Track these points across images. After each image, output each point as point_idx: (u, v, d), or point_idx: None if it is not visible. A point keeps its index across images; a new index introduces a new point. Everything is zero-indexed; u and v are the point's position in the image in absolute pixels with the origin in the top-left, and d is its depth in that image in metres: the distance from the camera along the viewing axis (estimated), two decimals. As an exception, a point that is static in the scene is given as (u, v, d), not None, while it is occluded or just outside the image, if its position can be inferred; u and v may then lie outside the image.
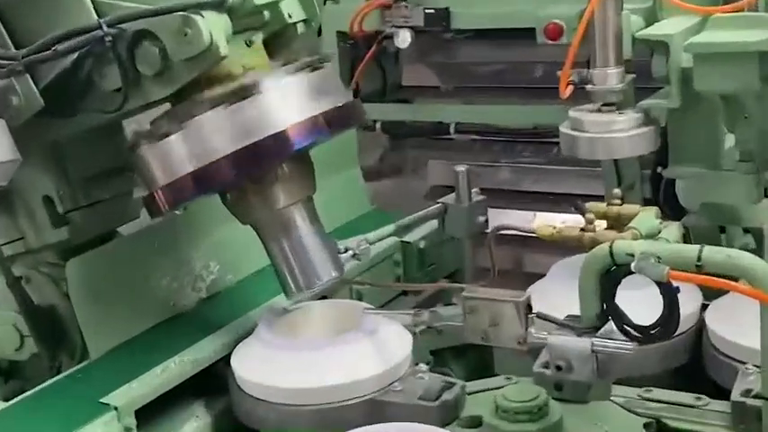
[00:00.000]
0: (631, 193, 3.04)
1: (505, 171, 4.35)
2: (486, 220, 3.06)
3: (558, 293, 2.53)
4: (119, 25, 2.27)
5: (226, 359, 2.59)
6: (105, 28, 2.25)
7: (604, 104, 2.57)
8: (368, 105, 3.05)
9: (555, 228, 2.30)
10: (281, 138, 2.31)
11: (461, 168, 3.01)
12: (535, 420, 2.31)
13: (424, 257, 3.22)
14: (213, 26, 2.24)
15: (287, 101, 2.35)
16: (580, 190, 4.41)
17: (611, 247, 2.11)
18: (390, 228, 2.78)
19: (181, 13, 2.23)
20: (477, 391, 2.55)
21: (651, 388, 2.47)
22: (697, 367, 2.62)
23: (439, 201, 3.05)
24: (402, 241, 3.18)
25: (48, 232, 2.68)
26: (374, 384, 2.44)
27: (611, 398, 2.38)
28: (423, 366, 2.52)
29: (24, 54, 2.32)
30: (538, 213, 4.34)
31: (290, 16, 2.51)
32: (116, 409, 2.37)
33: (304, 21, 2.57)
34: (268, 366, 2.49)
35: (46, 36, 2.30)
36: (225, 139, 2.30)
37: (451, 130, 4.08)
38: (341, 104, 2.43)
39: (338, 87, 2.52)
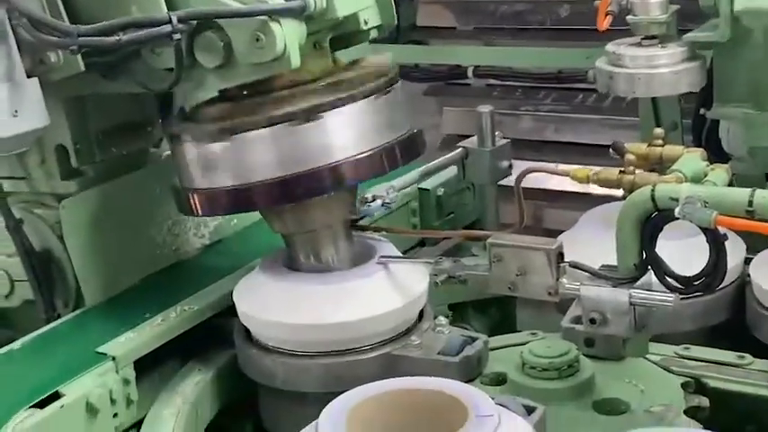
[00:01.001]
0: (672, 136, 2.83)
1: (526, 120, 4.17)
2: (510, 165, 2.87)
3: (589, 244, 2.37)
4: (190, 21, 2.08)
5: (230, 310, 2.41)
6: (175, 23, 2.04)
7: (646, 37, 2.38)
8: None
9: (591, 170, 2.11)
10: (334, 172, 2.19)
11: (485, 109, 2.81)
12: (564, 378, 2.15)
13: (442, 206, 3.03)
14: (289, 35, 2.09)
15: (347, 131, 2.21)
16: (606, 140, 4.25)
17: (653, 190, 1.93)
18: (415, 174, 2.59)
19: (258, 17, 2.06)
20: (500, 347, 2.38)
21: (689, 345, 2.30)
22: (738, 324, 2.45)
23: (460, 144, 2.85)
24: (419, 188, 2.99)
25: (55, 182, 2.50)
26: (392, 320, 2.27)
27: (645, 356, 2.21)
28: (442, 319, 2.34)
29: (81, 33, 2.06)
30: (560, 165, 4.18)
31: (365, 23, 2.35)
32: (113, 359, 2.21)
33: (377, 27, 2.41)
34: (273, 300, 2.29)
35: (106, 17, 2.09)
36: (272, 163, 2.18)
37: (469, 74, 3.88)
38: (402, 138, 2.29)
39: (403, 116, 2.35)
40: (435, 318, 2.36)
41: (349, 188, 2.29)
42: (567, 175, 2.17)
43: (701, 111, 2.61)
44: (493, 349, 2.33)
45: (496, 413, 1.77)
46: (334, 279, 2.30)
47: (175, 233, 2.66)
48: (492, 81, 4.32)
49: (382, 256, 2.33)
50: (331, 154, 2.18)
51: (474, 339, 2.28)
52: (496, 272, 2.10)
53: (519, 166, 3.04)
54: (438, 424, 1.84)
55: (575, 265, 2.04)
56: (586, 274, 2.04)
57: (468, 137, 2.88)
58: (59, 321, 2.44)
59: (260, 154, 2.17)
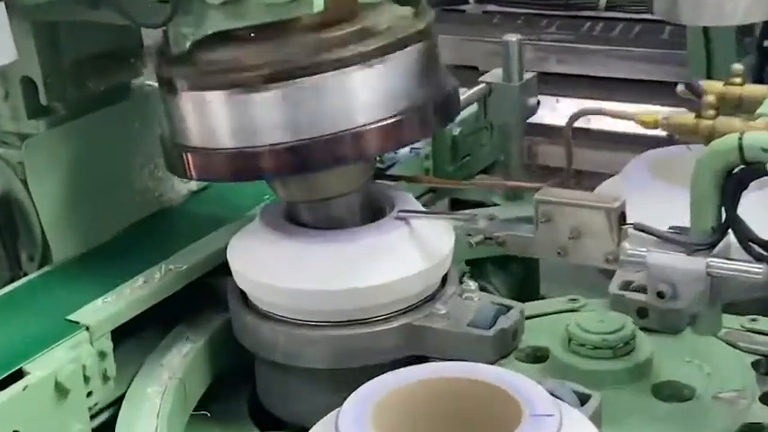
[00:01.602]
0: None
1: (528, 50, 3.80)
2: (538, 102, 2.54)
3: (637, 198, 2.03)
4: None
5: (223, 267, 2.07)
6: None
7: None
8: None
9: (661, 115, 1.78)
10: (359, 139, 1.83)
11: (513, 38, 2.46)
12: (619, 357, 1.83)
13: (457, 148, 2.68)
14: None
15: (377, 90, 1.84)
16: (614, 72, 3.93)
17: (740, 139, 1.59)
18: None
19: None
20: (534, 316, 2.06)
21: (756, 317, 1.98)
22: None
23: (482, 80, 2.50)
24: (433, 128, 2.64)
25: (21, 122, 2.12)
26: (414, 286, 1.94)
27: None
28: (470, 283, 2.02)
29: None
30: (560, 99, 3.86)
31: None
32: (87, 329, 1.87)
33: None
34: (274, 261, 1.95)
35: None
36: (284, 124, 1.82)
37: (470, -1, 3.56)
38: (439, 97, 1.92)
39: (439, 70, 1.98)
40: (461, 281, 2.04)
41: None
42: (629, 119, 1.84)
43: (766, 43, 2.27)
44: (527, 318, 2.01)
45: (557, 411, 1.46)
46: (346, 237, 1.96)
47: (158, 177, 2.30)
48: (491, 7, 4.01)
49: (402, 211, 1.99)
50: (356, 117, 1.83)
51: (508, 308, 1.96)
52: (544, 233, 1.76)
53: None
54: (483, 422, 1.52)
55: (640, 228, 1.71)
56: (653, 238, 1.71)
57: (462, 67, 2.53)
58: (21, 282, 2.09)
59: (270, 112, 1.82)
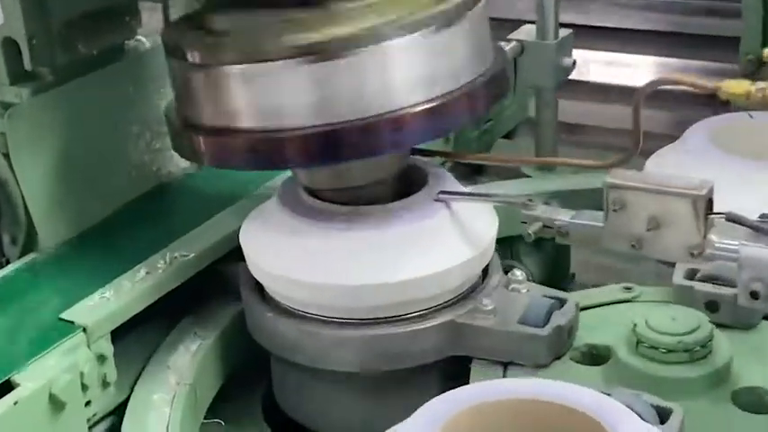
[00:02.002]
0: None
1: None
2: (574, 63, 2.30)
3: (695, 167, 1.82)
4: None
5: (236, 252, 1.82)
6: None
7: None
8: None
9: (755, 85, 1.53)
10: (399, 124, 1.56)
11: (550, -8, 2.22)
12: (695, 361, 1.61)
13: (480, 113, 2.43)
14: None
15: (418, 67, 1.57)
16: (616, 22, 3.72)
17: None
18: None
19: None
20: (585, 307, 1.84)
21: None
22: None
23: (512, 37, 2.25)
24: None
25: (2, 89, 1.85)
26: (458, 278, 1.70)
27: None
28: (518, 273, 1.79)
29: None
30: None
31: None
32: (84, 330, 1.63)
33: None
34: (294, 250, 1.70)
35: None
36: (310, 106, 1.55)
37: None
38: (488, 76, 1.66)
39: (489, 43, 1.72)
40: (507, 270, 1.81)
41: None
42: (713, 91, 1.59)
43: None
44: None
45: (645, 435, 1.24)
46: (378, 221, 1.72)
47: (156, 148, 2.05)
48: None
49: (442, 192, 1.75)
50: (395, 98, 1.57)
51: (562, 302, 1.73)
52: (616, 223, 1.53)
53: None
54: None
55: (733, 219, 1.47)
56: (745, 229, 1.48)
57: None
58: (5, 272, 1.83)
59: (294, 91, 1.55)
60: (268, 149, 1.58)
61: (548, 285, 1.81)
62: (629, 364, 1.62)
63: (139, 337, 1.79)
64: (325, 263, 1.67)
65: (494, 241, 1.78)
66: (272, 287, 1.75)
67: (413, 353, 1.69)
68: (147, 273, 1.76)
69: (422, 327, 1.69)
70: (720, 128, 2.02)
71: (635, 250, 1.54)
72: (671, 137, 2.07)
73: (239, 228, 1.81)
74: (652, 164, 1.99)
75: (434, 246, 1.70)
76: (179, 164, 2.10)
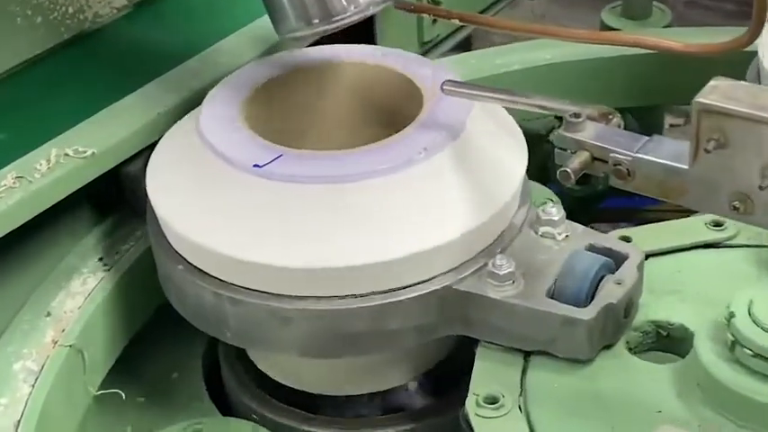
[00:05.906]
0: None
1: None
2: None
3: None
4: None
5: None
6: None
7: None
8: None
9: None
10: None
11: None
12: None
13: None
14: None
15: None
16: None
17: None
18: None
19: None
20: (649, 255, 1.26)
21: None
22: None
23: None
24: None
25: None
26: (455, 255, 1.15)
27: None
28: (552, 210, 1.21)
29: None
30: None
31: None
32: None
33: None
34: (213, 206, 1.16)
35: None
36: None
37: None
38: None
39: None
40: (540, 204, 1.23)
41: None
42: None
43: None
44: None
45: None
46: (341, 167, 1.14)
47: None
48: None
49: (449, 81, 1.16)
50: None
51: (619, 259, 1.15)
52: (709, 167, 0.94)
53: None
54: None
55: None
56: None
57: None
58: None
59: None
60: None
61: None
62: (719, 381, 1.05)
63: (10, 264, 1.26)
64: (254, 234, 1.12)
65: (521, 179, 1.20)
66: (186, 253, 1.19)
67: (384, 335, 1.14)
68: (19, 177, 1.22)
69: (397, 300, 1.13)
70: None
71: (738, 214, 0.95)
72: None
73: (166, 113, 1.25)
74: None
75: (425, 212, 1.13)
76: (110, 3, 1.50)
